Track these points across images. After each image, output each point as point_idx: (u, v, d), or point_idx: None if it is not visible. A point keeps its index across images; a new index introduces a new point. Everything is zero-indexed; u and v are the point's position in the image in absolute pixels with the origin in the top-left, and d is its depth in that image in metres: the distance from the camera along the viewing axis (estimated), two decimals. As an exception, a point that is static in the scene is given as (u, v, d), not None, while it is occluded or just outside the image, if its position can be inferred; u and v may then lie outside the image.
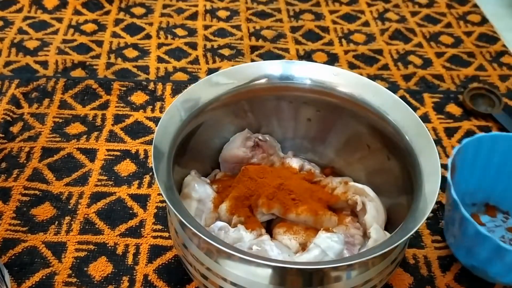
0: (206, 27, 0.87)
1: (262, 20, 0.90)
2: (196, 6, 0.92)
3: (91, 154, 0.64)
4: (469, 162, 0.55)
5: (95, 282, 0.51)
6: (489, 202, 0.59)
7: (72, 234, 0.55)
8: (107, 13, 0.89)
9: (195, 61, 0.80)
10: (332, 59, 0.82)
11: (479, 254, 0.49)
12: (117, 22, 0.87)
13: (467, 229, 0.48)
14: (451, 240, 0.53)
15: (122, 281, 0.51)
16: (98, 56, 0.79)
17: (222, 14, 0.91)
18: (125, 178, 0.61)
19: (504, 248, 0.46)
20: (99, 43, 0.82)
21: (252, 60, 0.80)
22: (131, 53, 0.81)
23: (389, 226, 0.50)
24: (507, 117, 0.71)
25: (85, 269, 0.52)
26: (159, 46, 0.82)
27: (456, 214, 0.49)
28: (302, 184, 0.51)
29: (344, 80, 0.53)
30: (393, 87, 0.76)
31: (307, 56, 0.82)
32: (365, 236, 0.48)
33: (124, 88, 0.73)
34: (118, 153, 0.64)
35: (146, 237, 0.55)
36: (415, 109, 0.71)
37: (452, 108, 0.73)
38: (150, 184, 0.60)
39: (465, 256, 0.51)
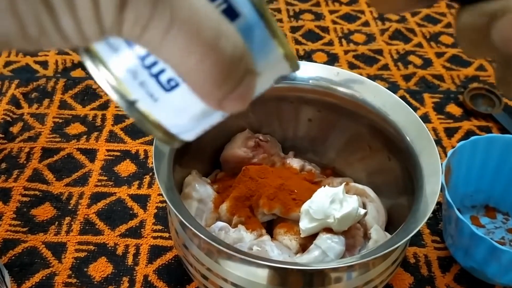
0: (206, 27, 0.87)
1: (262, 20, 0.89)
2: (196, 6, 0.92)
3: (91, 154, 0.63)
4: (465, 164, 0.55)
5: (95, 282, 0.50)
6: (489, 204, 0.59)
7: (72, 235, 0.54)
8: (107, 13, 0.88)
9: (195, 61, 0.80)
10: (332, 59, 0.81)
11: (476, 255, 0.49)
12: (117, 22, 0.87)
13: (462, 230, 0.48)
14: (450, 241, 0.53)
15: (122, 282, 0.51)
16: (98, 56, 0.79)
17: (222, 14, 0.91)
18: (125, 178, 0.61)
19: (499, 249, 0.46)
20: (99, 43, 0.82)
21: (252, 60, 0.80)
22: (131, 53, 0.80)
23: (389, 226, 0.50)
24: (507, 117, 0.71)
25: (85, 269, 0.51)
26: (159, 46, 0.82)
27: (451, 215, 0.49)
28: (303, 185, 0.51)
29: (345, 80, 0.53)
30: (393, 87, 0.76)
31: (307, 56, 0.82)
32: (366, 237, 0.48)
33: (124, 88, 0.73)
34: (118, 154, 0.64)
35: (146, 237, 0.55)
36: (415, 109, 0.71)
37: (452, 108, 0.73)
38: (150, 185, 0.60)
39: (463, 257, 0.51)
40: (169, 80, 0.20)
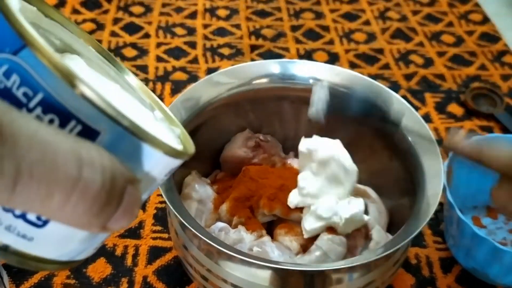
0: (205, 26, 0.87)
1: (262, 19, 0.89)
2: (195, 5, 0.92)
3: (90, 154, 0.63)
4: (467, 165, 0.55)
5: (94, 283, 0.50)
6: (490, 204, 0.59)
7: (71, 235, 0.54)
8: (106, 12, 0.88)
9: (195, 60, 0.79)
10: (333, 59, 0.81)
11: (477, 256, 0.49)
12: (116, 21, 0.86)
13: (464, 231, 0.48)
14: (451, 242, 0.52)
15: (121, 283, 0.50)
16: (97, 55, 0.79)
17: (222, 13, 0.90)
18: (124, 178, 0.60)
19: (501, 250, 0.45)
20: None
21: (252, 59, 0.80)
22: (130, 52, 0.80)
23: (391, 227, 0.50)
24: (509, 117, 0.70)
25: (84, 270, 0.51)
26: (158, 45, 0.82)
27: (453, 216, 0.49)
28: (304, 185, 0.50)
29: (346, 80, 0.53)
30: (394, 87, 0.75)
31: (308, 56, 0.82)
32: (367, 238, 0.48)
33: (124, 88, 0.73)
34: (118, 153, 0.63)
35: (145, 238, 0.54)
36: (416, 108, 0.71)
37: (454, 108, 0.73)
38: (149, 185, 0.60)
39: (465, 258, 0.51)
40: (39, 216, 0.18)
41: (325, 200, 0.46)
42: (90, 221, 0.17)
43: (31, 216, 0.18)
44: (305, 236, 0.47)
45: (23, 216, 0.18)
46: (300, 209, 0.48)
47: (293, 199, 0.47)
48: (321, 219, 0.45)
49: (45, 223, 0.19)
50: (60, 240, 0.19)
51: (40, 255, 0.19)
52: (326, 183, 0.46)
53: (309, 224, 0.46)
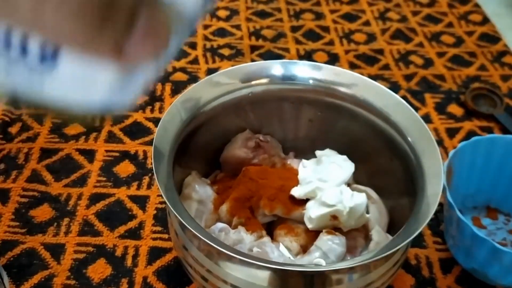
0: (205, 27, 0.87)
1: (262, 20, 0.89)
2: (195, 5, 0.92)
3: (90, 155, 0.63)
4: (467, 165, 0.55)
5: (94, 284, 0.50)
6: (490, 205, 0.59)
7: (71, 236, 0.54)
8: (106, 12, 0.88)
9: (195, 61, 0.79)
10: (333, 59, 0.81)
11: (477, 257, 0.49)
12: (117, 21, 0.86)
13: (464, 232, 0.48)
14: (451, 243, 0.52)
15: (121, 283, 0.50)
16: (97, 56, 0.79)
17: (222, 13, 0.90)
18: (124, 179, 0.60)
19: (501, 250, 0.45)
20: (98, 43, 0.81)
21: (252, 60, 0.80)
22: (130, 52, 0.80)
23: (391, 228, 0.50)
24: (509, 117, 0.70)
25: (84, 271, 0.51)
26: (159, 45, 0.82)
27: (453, 216, 0.49)
28: (303, 186, 0.50)
29: (346, 80, 0.53)
30: (394, 87, 0.75)
31: (308, 56, 0.82)
32: (367, 238, 0.48)
33: (124, 88, 0.73)
34: (117, 154, 0.63)
35: (145, 238, 0.54)
36: (416, 109, 0.71)
37: (454, 109, 0.73)
38: (149, 185, 0.60)
39: (465, 258, 0.51)
40: (42, 51, 0.15)
41: (330, 190, 0.47)
42: (92, 37, 0.14)
43: (32, 55, 0.15)
44: (309, 226, 0.46)
45: (23, 59, 0.15)
46: (301, 206, 0.48)
47: (297, 190, 0.48)
48: (326, 206, 0.45)
49: (52, 60, 0.15)
50: (80, 82, 0.16)
51: (61, 103, 0.16)
52: (325, 172, 0.49)
53: (314, 211, 0.46)
